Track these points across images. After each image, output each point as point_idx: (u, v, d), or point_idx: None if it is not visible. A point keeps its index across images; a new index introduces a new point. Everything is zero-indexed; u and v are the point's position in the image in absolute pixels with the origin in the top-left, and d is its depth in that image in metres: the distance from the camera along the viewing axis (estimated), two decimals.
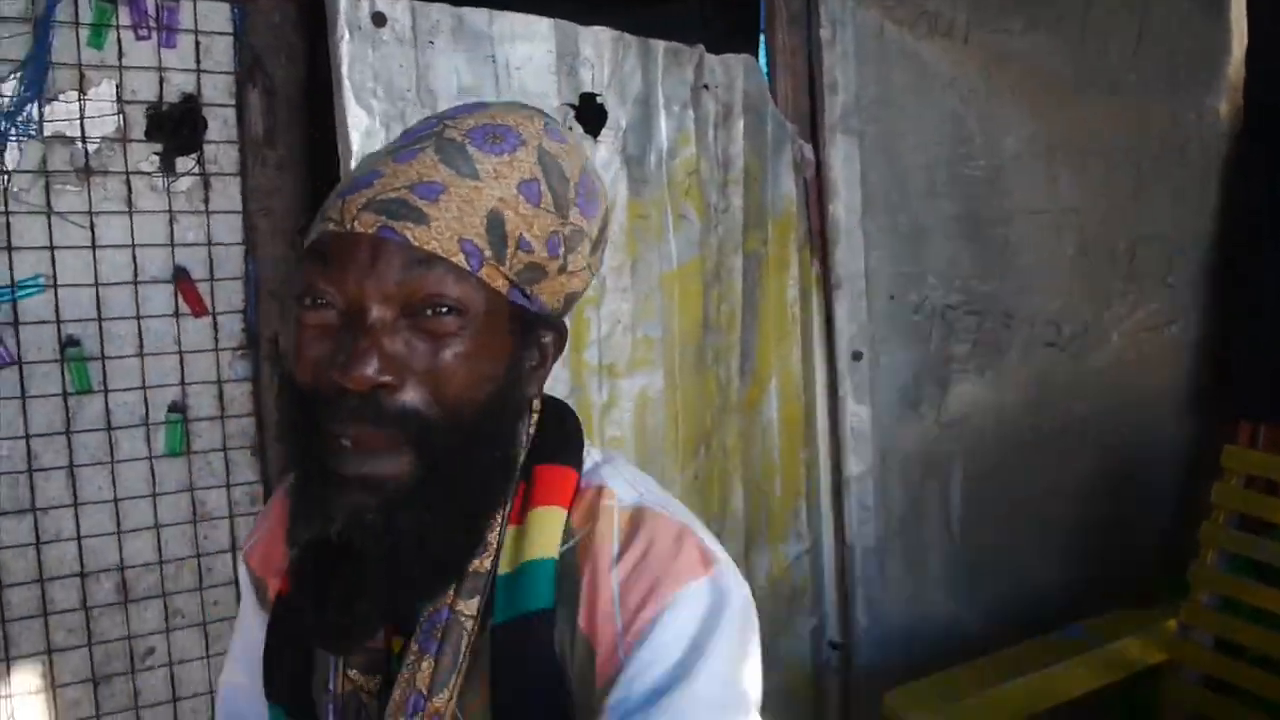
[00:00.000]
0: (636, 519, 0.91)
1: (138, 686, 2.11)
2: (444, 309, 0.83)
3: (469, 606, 0.89)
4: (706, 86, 2.18)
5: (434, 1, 1.85)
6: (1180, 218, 2.87)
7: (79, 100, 1.94)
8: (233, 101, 2.06)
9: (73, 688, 2.05)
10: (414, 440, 0.83)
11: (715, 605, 0.86)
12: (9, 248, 1.91)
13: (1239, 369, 2.92)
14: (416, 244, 0.82)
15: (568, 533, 0.91)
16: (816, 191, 2.39)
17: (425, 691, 0.88)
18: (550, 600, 0.88)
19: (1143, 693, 2.53)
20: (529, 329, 0.91)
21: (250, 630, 1.10)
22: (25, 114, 1.88)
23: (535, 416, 0.98)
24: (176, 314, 2.06)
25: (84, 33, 1.92)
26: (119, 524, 2.06)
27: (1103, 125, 2.72)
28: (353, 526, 0.82)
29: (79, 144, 1.94)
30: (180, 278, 2.05)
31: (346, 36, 1.77)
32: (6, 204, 1.90)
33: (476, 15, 1.89)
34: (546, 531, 0.90)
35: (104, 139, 1.96)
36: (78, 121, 1.94)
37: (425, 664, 0.88)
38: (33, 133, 1.90)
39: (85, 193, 1.96)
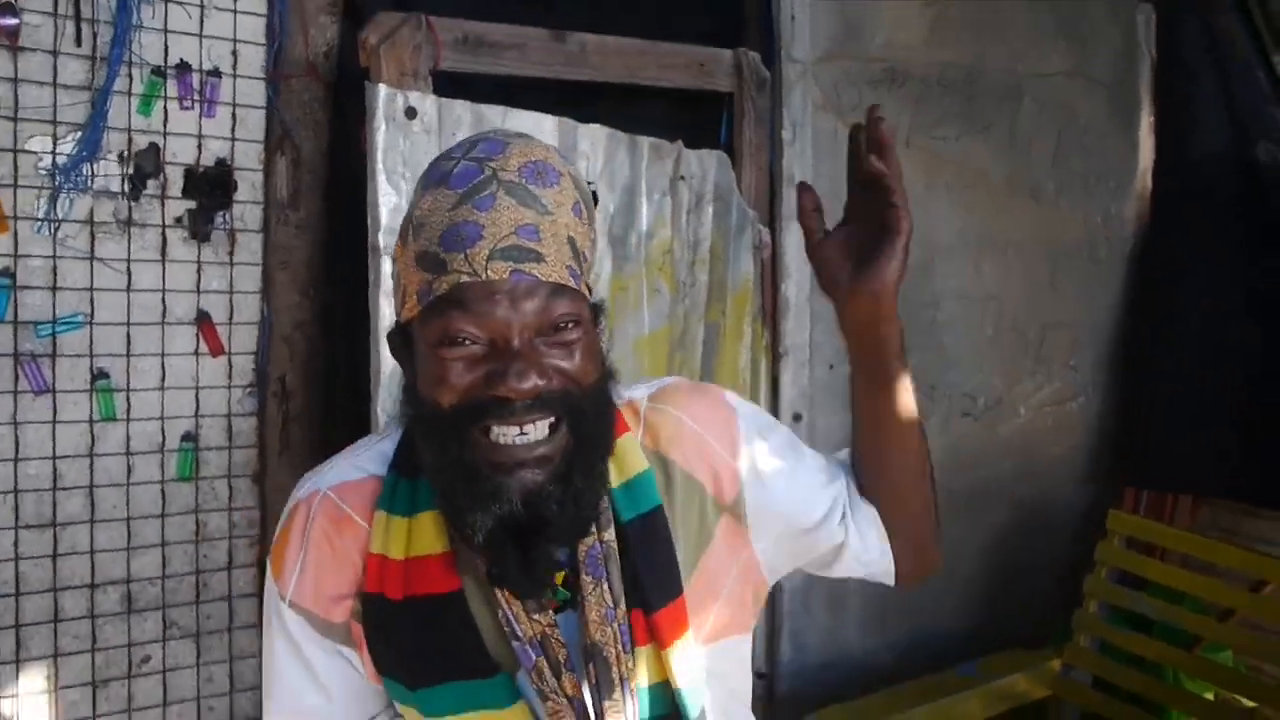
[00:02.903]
0: (653, 404, 1.22)
1: (133, 691, 2.31)
2: (569, 323, 1.03)
3: (609, 535, 1.12)
4: (683, 178, 2.45)
5: (457, 99, 2.09)
6: (1084, 308, 3.21)
7: (125, 162, 2.15)
8: (261, 167, 2.29)
9: (74, 690, 2.25)
10: (567, 418, 1.04)
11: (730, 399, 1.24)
12: (54, 287, 2.11)
13: (1128, 442, 3.28)
14: (544, 279, 1.01)
15: (640, 441, 1.18)
16: (771, 271, 2.67)
17: (612, 605, 1.11)
18: (659, 499, 1.15)
19: None
20: (595, 316, 1.11)
21: (319, 666, 1.18)
22: (78, 171, 2.08)
23: None
24: (196, 353, 2.28)
25: (134, 102, 2.13)
26: (129, 540, 2.26)
27: (1023, 224, 3.05)
28: (533, 497, 1.02)
29: (123, 199, 2.16)
30: (203, 320, 2.27)
31: (382, 127, 2.01)
32: (55, 249, 2.10)
33: (492, 111, 2.14)
34: (633, 453, 1.16)
35: (145, 195, 2.18)
36: (122, 179, 2.15)
37: (603, 585, 1.11)
38: (83, 187, 2.10)
39: (125, 241, 2.17)
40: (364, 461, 1.20)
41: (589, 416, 1.07)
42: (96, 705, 2.28)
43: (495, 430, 1.02)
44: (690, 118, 2.64)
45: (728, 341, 2.63)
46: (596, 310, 1.11)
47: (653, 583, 1.14)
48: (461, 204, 1.02)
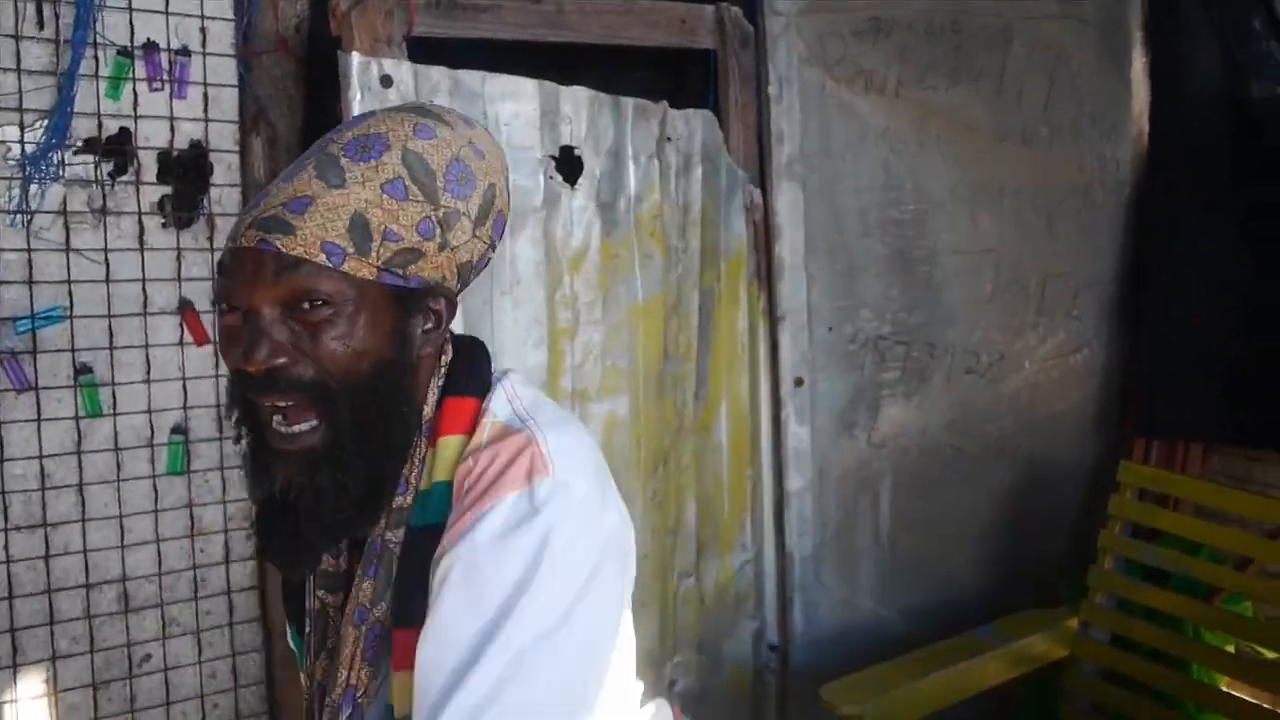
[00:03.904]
0: (497, 434, 1.07)
1: (134, 691, 2.26)
2: (317, 301, 1.00)
3: (396, 535, 1.07)
4: (669, 139, 2.40)
5: (434, 65, 2.04)
6: (1085, 257, 3.15)
7: (96, 148, 2.09)
8: (237, 148, 2.23)
9: (74, 692, 2.20)
10: (319, 407, 1.01)
11: (524, 517, 1.00)
12: (30, 281, 2.06)
13: (1135, 392, 3.23)
14: (285, 250, 0.99)
15: (465, 454, 1.07)
16: (764, 233, 2.62)
17: (367, 605, 1.07)
18: (443, 517, 1.05)
19: (1047, 684, 2.81)
20: (414, 301, 1.06)
21: None
22: (48, 159, 2.03)
23: (447, 360, 1.14)
24: (181, 343, 2.22)
25: (103, 85, 2.07)
26: (122, 538, 2.21)
27: (1017, 172, 2.99)
28: (287, 487, 1.03)
29: (96, 186, 2.10)
30: (185, 309, 2.21)
31: (358, 96, 1.95)
32: (29, 241, 2.05)
33: (471, 77, 2.08)
34: (447, 456, 1.08)
35: (119, 182, 2.12)
36: (95, 166, 2.09)
37: (366, 584, 1.08)
38: (54, 176, 2.05)
39: (101, 231, 2.11)
40: None
41: (347, 410, 1.02)
42: (98, 707, 2.23)
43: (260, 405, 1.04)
44: (675, 82, 2.59)
45: (724, 307, 2.58)
46: (417, 294, 1.06)
47: (413, 601, 1.05)
48: (283, 174, 1.05)
